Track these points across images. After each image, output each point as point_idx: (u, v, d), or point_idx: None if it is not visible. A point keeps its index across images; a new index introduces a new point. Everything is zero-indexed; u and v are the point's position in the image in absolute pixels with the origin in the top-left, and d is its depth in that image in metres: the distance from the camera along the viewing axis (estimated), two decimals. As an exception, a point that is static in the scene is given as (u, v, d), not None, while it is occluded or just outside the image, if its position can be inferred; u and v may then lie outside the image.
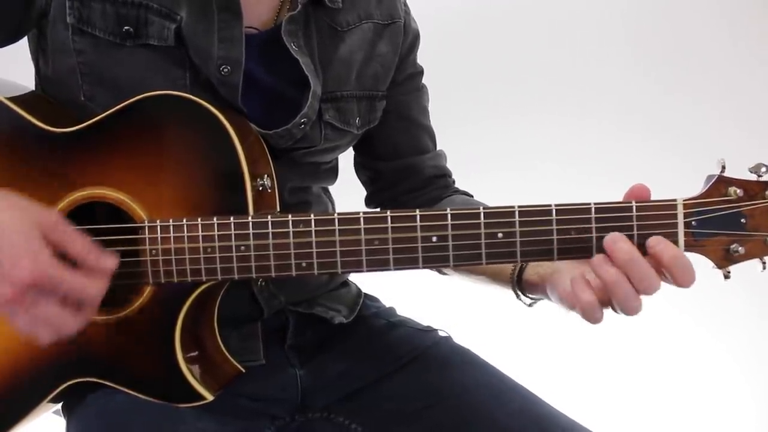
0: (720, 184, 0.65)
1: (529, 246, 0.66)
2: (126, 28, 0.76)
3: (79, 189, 0.72)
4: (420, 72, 0.99)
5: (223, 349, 0.79)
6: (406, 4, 0.96)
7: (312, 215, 0.69)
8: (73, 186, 0.72)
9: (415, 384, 0.87)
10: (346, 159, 1.00)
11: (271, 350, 0.86)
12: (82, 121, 0.74)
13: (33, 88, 0.84)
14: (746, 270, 0.67)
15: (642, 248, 0.65)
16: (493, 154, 1.78)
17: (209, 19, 0.77)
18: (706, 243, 0.66)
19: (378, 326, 0.95)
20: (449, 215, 0.67)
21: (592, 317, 0.65)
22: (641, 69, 1.82)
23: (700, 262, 0.67)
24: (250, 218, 0.69)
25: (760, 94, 1.80)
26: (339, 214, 0.68)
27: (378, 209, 1.02)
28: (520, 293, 0.79)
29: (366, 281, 0.96)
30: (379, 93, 0.92)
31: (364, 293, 0.99)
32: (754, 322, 1.84)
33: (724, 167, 0.65)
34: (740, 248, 0.65)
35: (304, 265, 0.69)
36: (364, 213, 0.68)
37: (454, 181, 1.02)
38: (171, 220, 0.70)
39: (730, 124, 1.78)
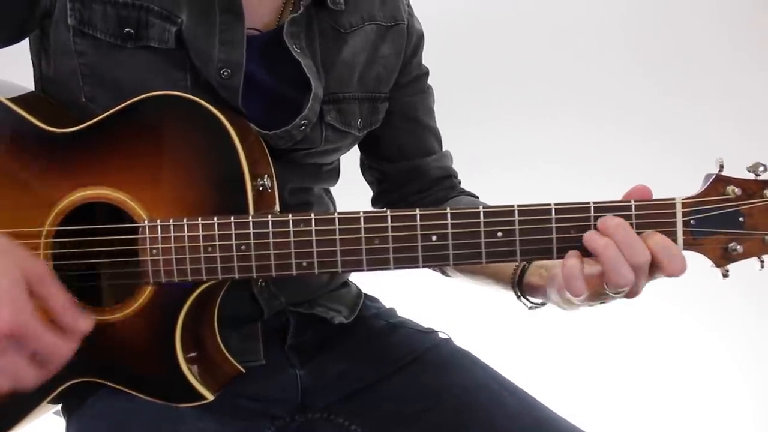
0: (718, 183, 0.66)
1: (529, 245, 0.67)
2: (127, 30, 0.76)
3: (80, 189, 0.72)
4: (425, 73, 0.99)
5: (223, 349, 0.79)
6: (409, 6, 0.96)
7: (312, 215, 0.69)
8: (73, 186, 0.72)
9: (414, 385, 0.87)
10: (348, 160, 1.00)
11: (271, 350, 0.86)
12: (83, 121, 0.74)
13: (33, 88, 0.84)
14: (745, 268, 0.67)
15: None
16: (496, 154, 1.78)
17: (211, 21, 0.77)
18: (704, 242, 0.66)
19: (378, 327, 0.95)
20: (449, 214, 0.67)
21: (573, 284, 0.64)
22: (641, 71, 1.82)
23: (698, 261, 0.67)
24: (250, 218, 0.69)
25: (758, 96, 1.80)
26: (339, 213, 0.69)
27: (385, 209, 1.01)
28: (520, 295, 0.80)
29: (366, 282, 0.96)
30: (382, 95, 0.93)
31: (365, 294, 1.00)
32: (753, 321, 1.84)
33: (722, 166, 0.66)
34: (738, 247, 0.65)
35: (304, 264, 0.69)
36: (365, 212, 0.68)
37: (460, 182, 1.02)
38: (171, 220, 0.70)
39: (729, 125, 1.78)
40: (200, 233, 0.69)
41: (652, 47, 1.82)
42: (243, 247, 0.69)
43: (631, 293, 0.66)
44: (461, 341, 0.94)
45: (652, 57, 1.82)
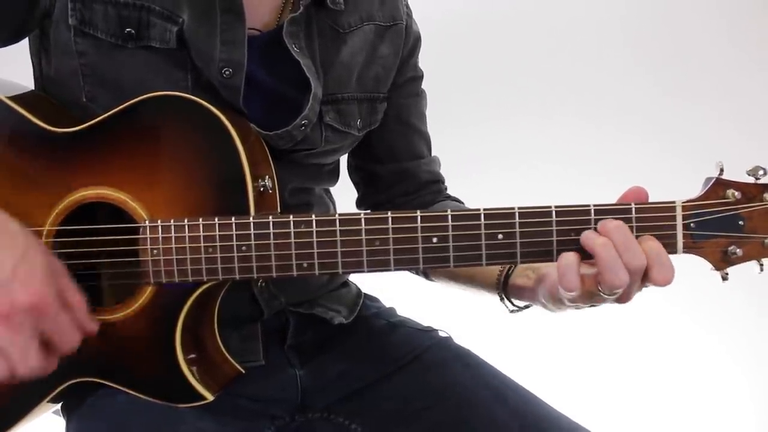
0: (718, 186, 0.66)
1: (529, 247, 0.67)
2: (128, 30, 0.76)
3: (81, 189, 0.72)
4: (420, 76, 0.99)
5: (223, 349, 0.79)
6: (408, 6, 0.96)
7: (313, 216, 0.69)
8: (74, 186, 0.72)
9: (414, 384, 0.87)
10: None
11: (271, 351, 0.86)
12: (84, 121, 0.74)
13: (33, 88, 0.84)
14: (745, 271, 0.67)
15: None
16: (495, 155, 1.78)
17: (212, 21, 0.77)
18: (704, 245, 0.66)
19: (378, 326, 0.95)
20: (450, 216, 0.67)
21: (567, 278, 0.64)
22: (641, 71, 1.82)
23: (698, 263, 0.67)
24: (251, 218, 0.69)
25: (758, 97, 1.80)
26: (340, 214, 0.69)
27: (369, 211, 1.02)
28: (504, 297, 0.80)
29: (366, 281, 0.97)
30: (381, 95, 0.93)
31: (364, 293, 1.00)
32: (753, 323, 1.84)
33: (722, 170, 0.66)
34: (738, 250, 0.66)
35: (305, 265, 0.69)
36: (365, 214, 0.68)
37: (446, 188, 1.03)
38: (172, 220, 0.70)
39: (729, 126, 1.78)
40: (201, 234, 0.69)
41: (651, 47, 1.82)
42: (244, 248, 0.69)
43: (623, 297, 0.66)
44: (461, 340, 0.94)
45: (652, 57, 1.82)
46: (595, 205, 0.66)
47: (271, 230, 0.69)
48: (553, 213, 0.66)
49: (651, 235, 0.65)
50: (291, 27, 0.81)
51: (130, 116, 0.73)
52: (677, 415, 1.82)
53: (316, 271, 0.69)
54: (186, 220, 0.70)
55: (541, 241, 0.67)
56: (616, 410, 1.78)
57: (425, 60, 1.00)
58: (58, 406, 0.83)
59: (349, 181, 1.03)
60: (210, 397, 0.74)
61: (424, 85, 1.01)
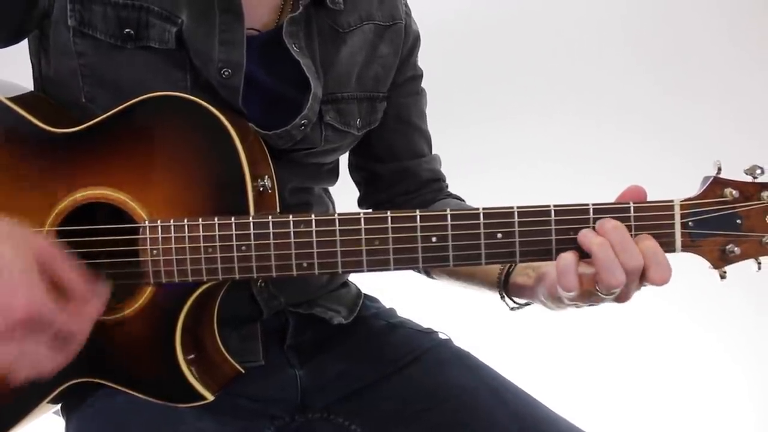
0: (716, 185, 0.66)
1: (528, 246, 0.67)
2: (127, 30, 0.76)
3: (80, 189, 0.72)
4: (420, 75, 0.99)
5: (223, 349, 0.79)
6: (407, 6, 0.97)
7: (313, 215, 0.69)
8: (73, 186, 0.72)
9: (414, 385, 0.87)
10: (347, 160, 1.00)
11: (271, 351, 0.87)
12: (83, 122, 0.74)
13: (32, 88, 0.84)
14: (743, 269, 0.67)
15: None
16: (494, 153, 1.78)
17: (210, 22, 0.77)
18: (702, 243, 0.66)
19: (378, 327, 0.95)
20: (449, 216, 0.67)
21: (566, 278, 0.65)
22: (641, 70, 1.82)
23: (696, 262, 0.67)
24: (251, 218, 0.69)
25: (758, 96, 1.80)
26: (339, 214, 0.69)
27: (370, 210, 1.02)
28: (505, 295, 0.80)
29: (366, 282, 0.97)
30: (380, 94, 0.93)
31: (364, 294, 1.00)
32: (751, 321, 1.84)
33: (720, 169, 0.66)
34: (736, 249, 0.66)
35: (305, 265, 0.69)
36: (365, 213, 0.69)
37: (447, 186, 1.03)
38: (172, 220, 0.70)
39: (728, 125, 1.78)
40: (201, 234, 0.70)
41: (651, 45, 1.82)
42: (243, 248, 0.69)
43: (622, 297, 0.66)
44: (461, 341, 0.94)
45: (652, 55, 1.82)
46: (593, 205, 0.66)
47: (271, 230, 0.69)
48: (552, 212, 0.66)
49: (649, 234, 0.65)
50: (290, 27, 0.81)
51: (129, 117, 0.73)
52: (676, 414, 1.82)
53: (316, 271, 0.69)
54: (186, 220, 0.70)
55: (540, 240, 0.67)
56: (615, 411, 1.78)
57: (425, 59, 1.00)
58: (58, 406, 0.83)
59: (349, 181, 1.03)
60: (210, 397, 0.74)
61: (424, 84, 1.01)
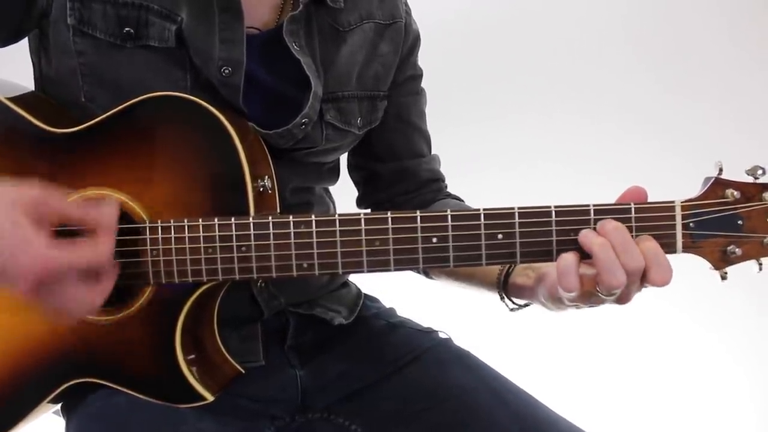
0: (717, 186, 0.66)
1: (529, 247, 0.67)
2: (126, 29, 0.76)
3: (80, 190, 0.72)
4: (420, 75, 0.99)
5: (223, 350, 0.79)
6: (407, 5, 0.96)
7: (313, 216, 0.69)
8: (73, 187, 0.72)
9: (414, 385, 0.87)
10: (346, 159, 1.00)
11: (271, 351, 0.86)
12: (83, 121, 0.74)
13: (33, 88, 0.84)
14: (745, 270, 0.67)
15: None
16: (494, 154, 1.78)
17: (210, 20, 0.77)
18: (703, 244, 0.66)
19: (378, 327, 0.95)
20: (449, 216, 0.67)
21: (566, 279, 0.64)
22: (642, 69, 1.82)
23: (698, 263, 0.67)
24: (251, 219, 0.69)
25: (759, 95, 1.80)
26: (340, 215, 0.69)
27: (369, 210, 1.02)
28: (504, 296, 0.80)
29: (366, 282, 0.97)
30: (381, 93, 0.93)
31: (365, 294, 1.00)
32: (752, 322, 1.84)
33: (721, 169, 0.66)
34: (737, 250, 0.66)
35: (305, 265, 0.69)
36: (365, 214, 0.68)
37: (446, 186, 1.03)
38: (172, 221, 0.70)
39: (730, 124, 1.78)
40: (201, 234, 0.69)
41: (652, 45, 1.82)
42: (243, 248, 0.69)
43: (623, 298, 0.66)
44: (461, 341, 0.94)
45: (653, 55, 1.82)
46: (594, 205, 0.66)
47: (271, 230, 0.69)
48: (553, 213, 0.66)
49: (650, 234, 0.65)
50: (291, 25, 0.81)
51: (129, 116, 0.73)
52: (677, 415, 1.82)
53: (316, 272, 0.69)
54: (186, 221, 0.70)
55: (541, 241, 0.67)
56: (616, 411, 1.78)
57: (425, 59, 1.00)
58: (58, 406, 0.83)
59: (349, 181, 1.03)
60: (210, 398, 0.74)
61: (424, 84, 1.01)
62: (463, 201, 1.01)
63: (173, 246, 0.70)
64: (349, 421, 0.86)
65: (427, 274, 0.95)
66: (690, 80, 1.82)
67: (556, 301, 0.70)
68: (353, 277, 1.01)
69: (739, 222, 0.65)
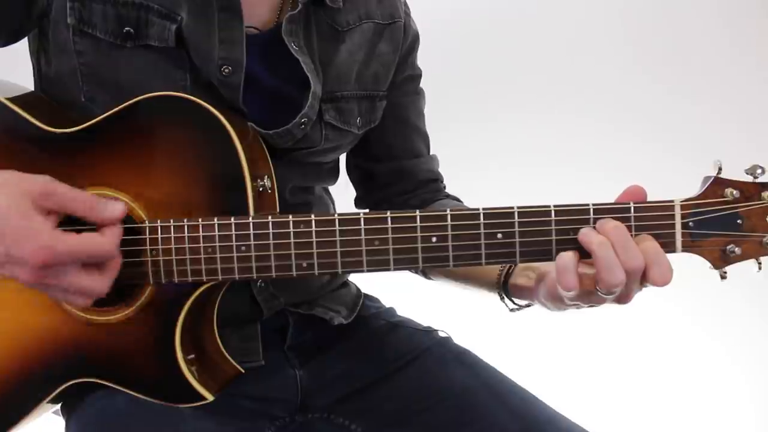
0: (716, 185, 0.66)
1: (528, 246, 0.67)
2: (126, 29, 0.76)
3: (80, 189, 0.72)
4: (419, 75, 0.99)
5: (223, 349, 0.79)
6: (406, 5, 0.97)
7: (312, 216, 0.69)
8: (74, 186, 0.72)
9: (414, 384, 0.87)
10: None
11: (271, 351, 0.87)
12: (83, 121, 0.74)
13: (33, 88, 0.84)
14: (745, 270, 0.67)
15: None
16: (494, 153, 1.79)
17: (210, 20, 0.77)
18: (702, 244, 0.66)
19: (378, 327, 0.95)
20: (449, 216, 0.67)
21: (565, 277, 0.64)
22: (640, 69, 1.82)
23: (698, 263, 0.67)
24: (250, 219, 0.69)
25: (758, 96, 1.81)
26: (339, 214, 0.69)
27: (367, 210, 1.02)
28: (504, 296, 0.80)
29: (366, 281, 0.97)
30: (380, 93, 0.93)
31: (364, 294, 1.00)
32: (752, 321, 1.84)
33: (720, 169, 0.66)
34: (737, 249, 0.66)
35: (304, 265, 0.69)
36: (365, 214, 0.69)
37: (445, 186, 1.03)
38: (171, 221, 0.70)
39: (729, 124, 1.79)
40: (200, 234, 0.69)
41: (651, 44, 1.83)
42: (243, 248, 0.69)
43: (623, 298, 0.66)
44: (461, 340, 0.94)
45: (652, 54, 1.82)
46: (594, 205, 0.66)
47: (271, 230, 0.69)
48: (552, 212, 0.66)
49: (650, 234, 0.65)
50: (290, 25, 0.81)
51: (128, 117, 0.72)
52: (677, 415, 1.82)
53: (316, 271, 0.69)
54: (185, 221, 0.70)
55: (541, 241, 0.67)
56: (615, 410, 1.78)
57: (424, 59, 1.00)
58: (58, 406, 0.83)
59: (349, 180, 1.03)
60: (210, 398, 0.74)
61: (423, 84, 1.01)
62: (461, 202, 1.01)
63: (173, 246, 0.70)
64: (348, 421, 0.86)
65: (425, 274, 0.95)
66: (689, 80, 1.82)
67: (556, 300, 0.70)
68: (353, 277, 1.01)
69: (739, 221, 0.65)
